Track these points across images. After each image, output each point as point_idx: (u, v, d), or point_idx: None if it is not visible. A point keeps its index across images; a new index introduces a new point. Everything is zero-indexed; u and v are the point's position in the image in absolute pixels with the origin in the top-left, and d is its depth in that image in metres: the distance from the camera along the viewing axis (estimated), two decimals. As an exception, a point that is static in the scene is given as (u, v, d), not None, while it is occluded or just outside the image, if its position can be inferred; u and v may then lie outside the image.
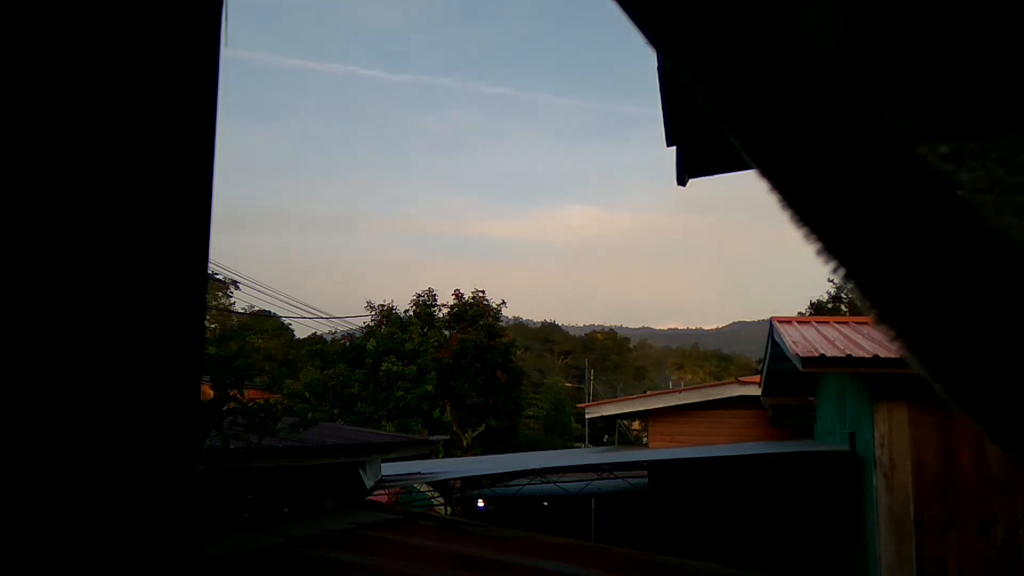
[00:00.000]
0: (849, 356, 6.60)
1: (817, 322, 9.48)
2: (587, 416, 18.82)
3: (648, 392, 22.75)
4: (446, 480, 9.57)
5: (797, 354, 6.86)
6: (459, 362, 22.61)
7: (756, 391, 12.15)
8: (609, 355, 62.41)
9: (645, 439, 17.27)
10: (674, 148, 2.38)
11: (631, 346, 77.02)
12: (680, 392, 15.38)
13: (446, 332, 24.15)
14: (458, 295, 24.77)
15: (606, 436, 31.57)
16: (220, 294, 36.59)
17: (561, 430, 33.78)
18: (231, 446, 3.85)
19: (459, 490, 11.48)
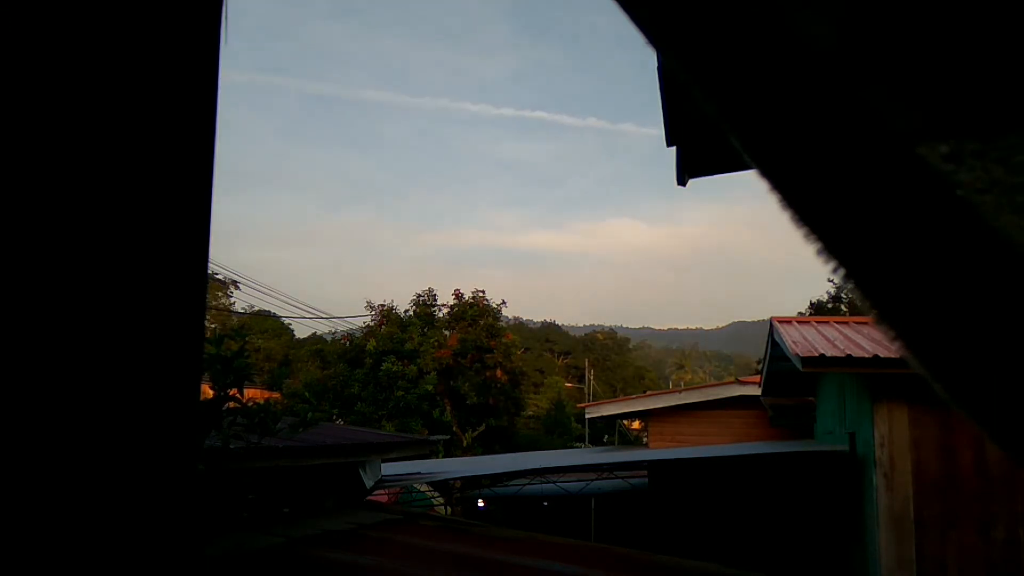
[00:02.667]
0: (849, 356, 6.60)
1: (817, 322, 9.48)
2: (587, 416, 18.81)
3: (648, 392, 22.78)
4: (446, 480, 9.57)
5: (797, 354, 6.86)
6: (459, 362, 22.60)
7: (756, 391, 12.14)
8: (609, 355, 62.40)
9: (645, 439, 17.27)
10: (674, 148, 2.39)
11: (631, 346, 77.03)
12: (680, 392, 15.38)
13: (446, 332, 24.14)
14: (458, 295, 24.77)
15: (606, 436, 31.57)
16: (220, 294, 36.60)
17: (561, 430, 33.78)
18: (231, 446, 3.84)
19: (459, 490, 11.48)
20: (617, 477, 10.35)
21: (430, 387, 21.82)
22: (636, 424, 29.16)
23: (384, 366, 21.80)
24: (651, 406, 14.44)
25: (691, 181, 2.48)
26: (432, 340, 23.07)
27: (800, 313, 28.20)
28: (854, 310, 22.50)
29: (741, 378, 14.32)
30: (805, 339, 7.71)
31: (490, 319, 24.12)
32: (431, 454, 15.16)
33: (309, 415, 4.86)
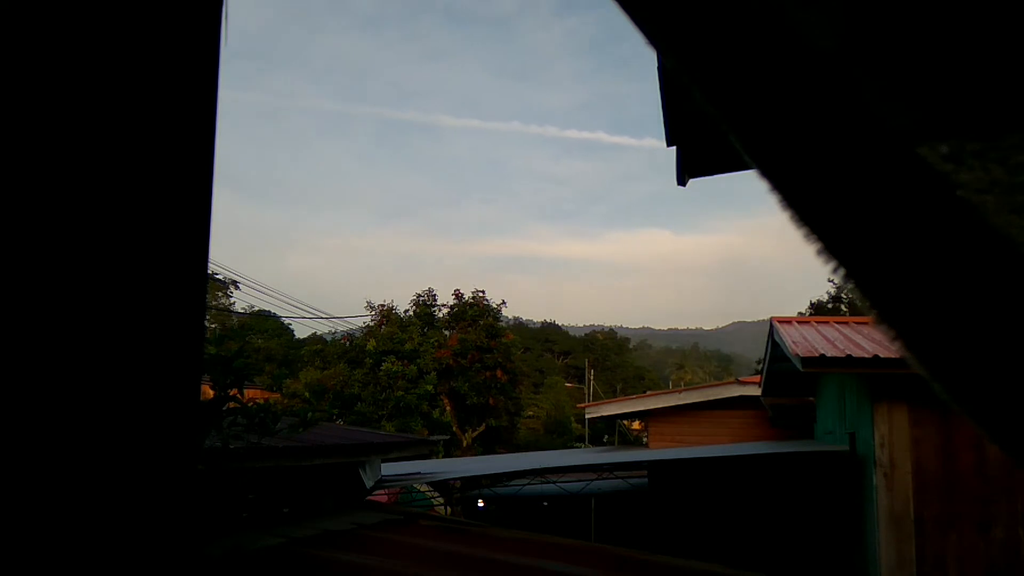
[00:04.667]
0: (849, 356, 6.60)
1: (817, 322, 9.48)
2: (587, 416, 18.82)
3: (648, 392, 22.77)
4: (446, 480, 9.57)
5: (797, 354, 6.86)
6: (459, 362, 22.59)
7: (756, 391, 12.14)
8: (609, 355, 62.39)
9: (645, 439, 17.27)
10: (674, 148, 2.38)
11: (631, 346, 77.01)
12: (680, 392, 15.38)
13: (446, 332, 24.13)
14: (458, 295, 24.76)
15: (606, 436, 31.56)
16: (220, 294, 36.58)
17: (561, 430, 33.77)
18: (231, 446, 3.84)
19: (459, 490, 11.48)
20: (617, 477, 10.35)
21: (430, 387, 21.82)
22: (636, 424, 29.16)
23: (384, 366, 21.80)
24: (651, 406, 14.44)
25: (691, 181, 2.48)
26: (432, 340, 23.06)
27: (800, 313, 28.21)
28: (854, 310, 22.50)
29: (741, 378, 14.32)
30: (805, 339, 7.71)
31: (490, 319, 24.11)
32: (431, 454, 15.16)
33: (309, 415, 4.86)
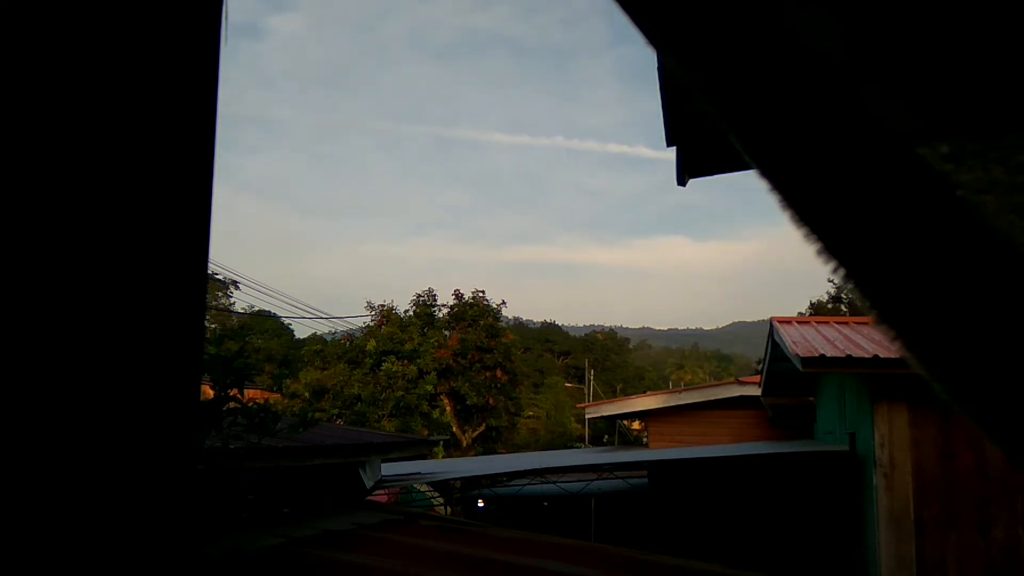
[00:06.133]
0: (849, 356, 6.59)
1: (817, 322, 9.48)
2: (587, 416, 18.83)
3: (648, 392, 22.77)
4: (446, 480, 9.57)
5: (797, 354, 6.86)
6: (459, 362, 22.59)
7: (756, 391, 12.13)
8: (609, 355, 62.37)
9: (645, 439, 17.27)
10: (674, 148, 2.39)
11: (631, 346, 77.01)
12: (680, 392, 15.39)
13: (446, 332, 24.12)
14: (458, 295, 24.76)
15: (606, 436, 31.56)
16: (220, 294, 36.59)
17: (561, 430, 33.76)
18: (231, 446, 3.84)
19: (459, 490, 11.47)
20: (617, 477, 10.34)
21: (430, 387, 21.81)
22: (636, 424, 29.16)
23: (384, 366, 21.79)
24: (651, 406, 14.44)
25: (691, 181, 2.48)
26: (432, 340, 23.06)
27: (800, 313, 28.20)
28: (854, 310, 22.50)
29: (741, 378, 14.32)
30: (805, 339, 7.71)
31: (490, 319, 24.10)
32: (431, 454, 15.16)
33: (309, 415, 4.86)
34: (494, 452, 21.88)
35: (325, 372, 22.89)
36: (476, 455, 20.81)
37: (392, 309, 24.28)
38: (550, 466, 9.03)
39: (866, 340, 7.52)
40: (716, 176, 2.51)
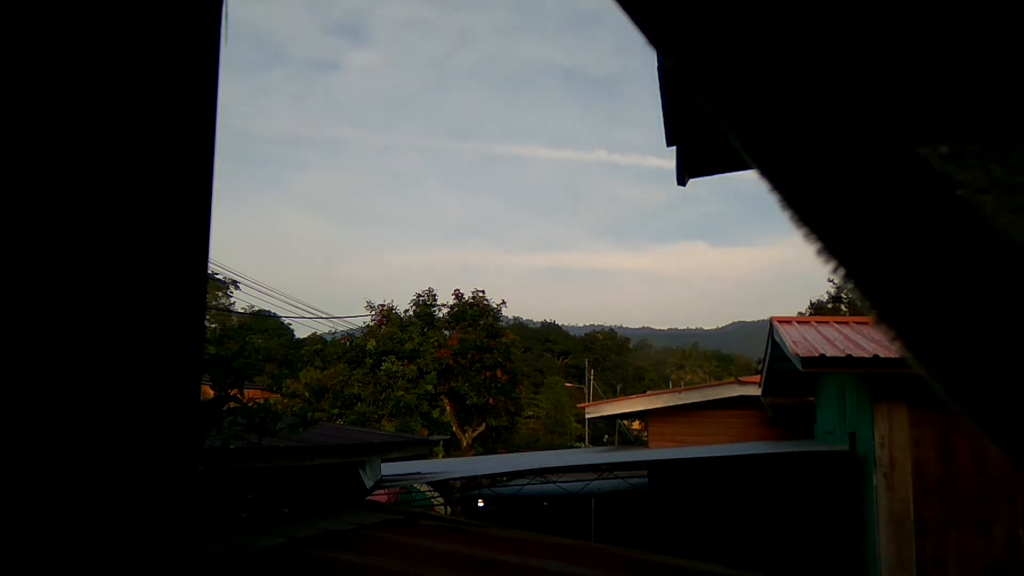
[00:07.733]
0: (849, 356, 6.59)
1: (817, 322, 9.47)
2: (587, 416, 18.82)
3: (648, 392, 22.76)
4: (446, 480, 9.57)
5: (797, 354, 6.86)
6: (459, 362, 22.59)
7: (756, 391, 12.13)
8: (609, 355, 62.37)
9: (645, 439, 17.27)
10: (674, 148, 2.39)
11: (631, 346, 76.99)
12: (680, 392, 15.39)
13: (446, 332, 24.12)
14: (458, 295, 24.75)
15: (606, 436, 31.57)
16: (220, 294, 36.58)
17: (561, 430, 33.78)
18: (231, 446, 3.84)
19: (459, 490, 11.48)
20: (617, 477, 10.35)
21: (430, 387, 21.81)
22: (636, 424, 29.16)
23: (384, 366, 21.79)
24: (651, 406, 14.44)
25: (691, 181, 2.48)
26: (432, 340, 23.05)
27: (800, 313, 28.20)
28: (854, 310, 22.50)
29: (741, 378, 14.31)
30: (805, 339, 7.71)
31: (490, 319, 24.10)
32: (431, 454, 15.15)
33: (309, 415, 4.86)
34: (494, 452, 21.88)
35: (325, 372, 22.89)
36: (476, 455, 20.80)
37: (392, 309, 24.28)
38: (550, 466, 9.03)
39: (866, 340, 7.52)
40: (716, 176, 2.52)
